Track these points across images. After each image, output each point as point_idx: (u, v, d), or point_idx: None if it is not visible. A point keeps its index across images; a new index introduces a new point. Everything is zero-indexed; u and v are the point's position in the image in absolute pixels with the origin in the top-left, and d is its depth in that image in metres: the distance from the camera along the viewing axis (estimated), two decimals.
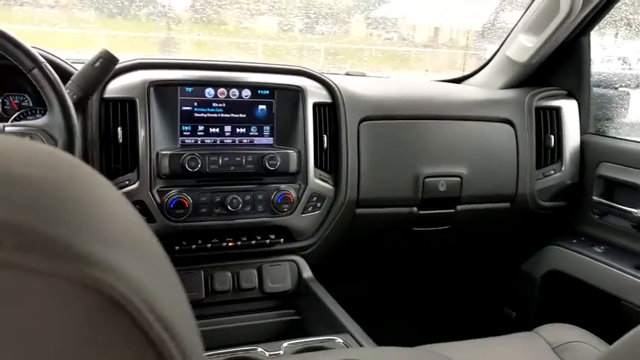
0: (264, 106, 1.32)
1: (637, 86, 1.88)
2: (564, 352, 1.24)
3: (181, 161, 1.22)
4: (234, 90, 1.30)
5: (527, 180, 1.61)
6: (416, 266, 1.91)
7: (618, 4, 1.54)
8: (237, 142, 1.31)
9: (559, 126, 1.64)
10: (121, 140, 1.21)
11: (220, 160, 1.26)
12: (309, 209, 1.36)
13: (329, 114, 1.39)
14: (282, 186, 1.32)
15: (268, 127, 1.34)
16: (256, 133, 1.33)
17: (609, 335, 1.01)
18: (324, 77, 1.40)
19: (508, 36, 1.73)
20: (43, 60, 0.95)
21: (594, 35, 1.67)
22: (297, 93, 1.34)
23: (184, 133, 1.27)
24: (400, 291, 2.00)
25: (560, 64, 1.68)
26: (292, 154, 1.31)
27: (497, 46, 1.80)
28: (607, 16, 1.59)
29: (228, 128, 1.30)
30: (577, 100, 1.68)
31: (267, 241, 1.33)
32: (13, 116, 1.27)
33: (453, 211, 1.56)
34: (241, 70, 1.33)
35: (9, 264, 0.21)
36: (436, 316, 2.01)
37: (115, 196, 0.29)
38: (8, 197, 0.22)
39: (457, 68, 2.00)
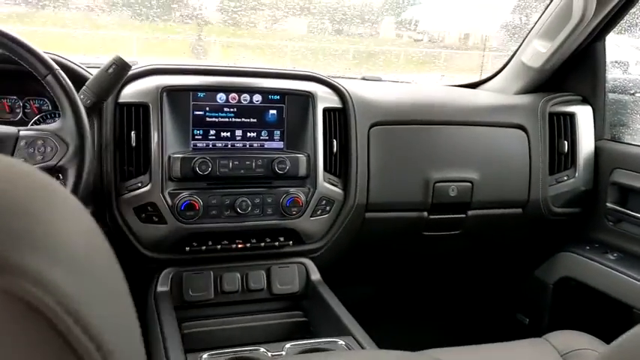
0: (274, 111, 1.35)
1: None
2: (572, 359, 1.23)
3: (192, 164, 1.25)
4: (245, 95, 1.33)
5: (540, 186, 1.61)
6: (426, 271, 1.91)
7: (633, 10, 1.52)
8: (247, 146, 1.34)
9: (573, 132, 1.64)
10: (134, 144, 1.25)
11: (230, 164, 1.28)
12: (318, 212, 1.38)
13: (339, 119, 1.41)
14: (292, 189, 1.34)
15: (279, 132, 1.36)
16: (267, 138, 1.35)
17: None
18: (334, 82, 1.42)
19: (523, 41, 1.73)
20: (57, 67, 0.99)
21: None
22: (308, 98, 1.36)
23: (196, 137, 1.30)
24: (411, 295, 2.01)
25: (575, 70, 1.68)
26: (302, 158, 1.33)
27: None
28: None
29: (239, 132, 1.33)
30: (592, 106, 1.67)
31: (276, 243, 1.35)
32: (33, 120, 1.32)
33: (463, 216, 1.57)
34: (252, 76, 1.36)
35: None
36: (447, 321, 2.01)
37: (69, 208, 0.31)
38: None
39: (487, 70, 1.99)
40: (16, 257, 0.25)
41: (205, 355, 1.02)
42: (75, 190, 0.96)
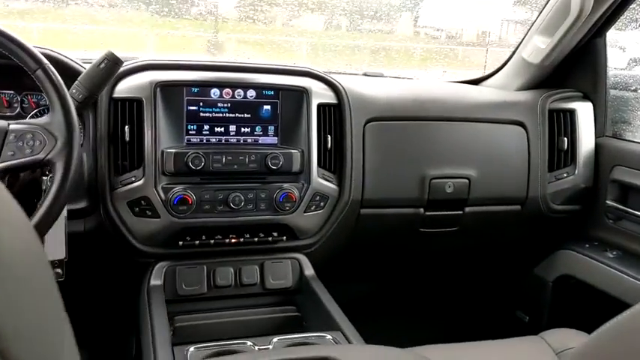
0: (268, 107, 1.35)
1: None
2: (566, 357, 1.22)
3: (185, 159, 1.25)
4: (239, 90, 1.33)
5: (539, 183, 1.59)
6: (424, 268, 1.90)
7: (633, 5, 1.50)
8: (241, 141, 1.34)
9: (573, 128, 1.62)
10: (128, 138, 1.26)
11: (224, 159, 1.29)
12: (312, 208, 1.38)
13: (334, 114, 1.41)
14: (285, 185, 1.34)
15: (273, 127, 1.36)
16: (261, 133, 1.36)
17: None
18: (329, 78, 1.42)
19: (524, 37, 1.72)
20: (46, 61, 1.00)
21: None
22: (302, 94, 1.36)
23: (190, 132, 1.31)
24: (409, 292, 2.01)
25: (576, 66, 1.66)
26: (295, 153, 1.33)
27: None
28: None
29: (233, 128, 1.34)
30: (593, 103, 1.65)
31: (270, 238, 1.36)
32: (31, 114, 1.33)
33: (461, 212, 1.56)
34: (246, 71, 1.36)
35: None
36: (446, 318, 2.00)
37: None
38: None
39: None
40: None
41: (192, 349, 1.03)
42: (63, 183, 0.96)
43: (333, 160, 1.42)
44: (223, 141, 1.33)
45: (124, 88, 1.28)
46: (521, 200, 1.60)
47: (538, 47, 1.61)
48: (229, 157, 1.29)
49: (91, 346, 1.70)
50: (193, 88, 1.30)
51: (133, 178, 1.26)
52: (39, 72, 0.99)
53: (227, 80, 1.33)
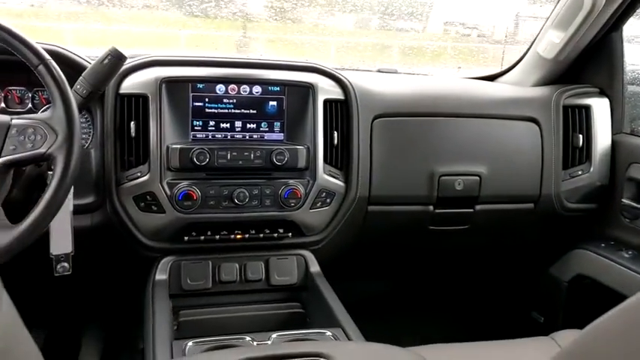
0: (274, 103, 1.35)
1: None
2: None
3: (190, 155, 1.26)
4: (244, 86, 1.33)
5: (553, 180, 1.56)
6: (434, 266, 1.88)
7: None
8: (247, 137, 1.34)
9: (588, 125, 1.58)
10: (133, 134, 1.27)
11: (229, 155, 1.29)
12: (318, 205, 1.37)
13: (341, 111, 1.40)
14: (291, 181, 1.34)
15: (279, 123, 1.36)
16: (267, 129, 1.35)
17: None
18: (336, 74, 1.41)
19: (539, 32, 1.68)
20: (48, 57, 1.01)
21: None
22: (308, 89, 1.36)
23: (195, 127, 1.31)
24: (419, 291, 1.99)
25: (592, 61, 1.62)
26: (301, 149, 1.33)
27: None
28: None
29: (238, 124, 1.34)
30: (609, 99, 1.61)
31: (275, 234, 1.36)
32: (41, 109, 1.36)
33: (471, 210, 1.54)
34: (252, 67, 1.36)
35: None
36: (457, 318, 1.97)
37: None
38: None
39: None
40: None
41: (190, 343, 1.03)
42: (63, 177, 0.97)
43: (340, 157, 1.41)
44: (229, 137, 1.33)
45: (130, 84, 1.29)
46: (535, 198, 1.57)
47: (552, 42, 1.58)
48: (234, 153, 1.29)
49: (103, 337, 1.73)
50: (199, 84, 1.31)
51: (139, 174, 1.27)
52: (41, 67, 1.00)
53: (232, 76, 1.33)
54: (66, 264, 1.16)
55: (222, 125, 1.33)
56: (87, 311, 1.77)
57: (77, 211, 1.21)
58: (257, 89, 1.34)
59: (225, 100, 1.32)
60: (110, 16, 1.86)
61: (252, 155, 1.31)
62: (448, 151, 1.49)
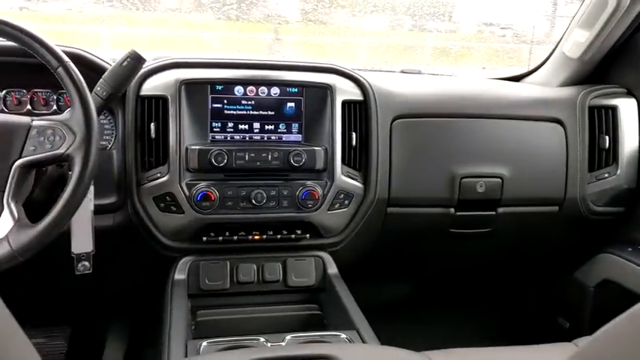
0: (292, 104, 1.35)
1: None
2: None
3: (209, 156, 1.27)
4: (262, 88, 1.34)
5: (578, 183, 1.53)
6: (456, 269, 1.85)
7: None
8: (265, 138, 1.35)
9: (615, 126, 1.54)
10: (153, 135, 1.29)
11: (247, 156, 1.30)
12: (337, 206, 1.37)
13: (360, 112, 1.40)
14: (309, 182, 1.34)
15: (297, 125, 1.36)
16: (285, 130, 1.36)
17: None
18: (355, 74, 1.41)
19: (565, 31, 1.65)
20: (67, 59, 1.03)
21: None
22: (326, 91, 1.36)
23: (214, 129, 1.33)
24: (440, 294, 1.96)
25: (619, 61, 1.58)
26: (319, 151, 1.33)
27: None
28: None
29: (256, 125, 1.34)
30: (637, 99, 1.56)
31: (293, 236, 1.36)
32: (65, 111, 1.39)
33: (493, 213, 1.51)
34: (270, 69, 1.37)
35: None
36: (480, 323, 1.94)
37: None
38: None
39: None
40: None
41: (205, 343, 1.04)
42: (81, 178, 0.99)
43: (359, 158, 1.40)
44: (247, 138, 1.34)
45: (151, 86, 1.31)
46: (559, 201, 1.54)
47: (578, 41, 1.54)
48: (252, 154, 1.30)
49: (128, 334, 1.75)
50: (218, 86, 1.32)
51: (159, 174, 1.29)
52: (60, 70, 1.02)
53: (251, 78, 1.34)
54: (87, 263, 1.18)
55: (240, 126, 1.34)
56: (112, 308, 1.80)
57: (99, 211, 1.24)
58: (275, 90, 1.34)
59: (243, 102, 1.33)
60: (143, 19, 1.90)
61: (269, 156, 1.31)
62: (470, 152, 1.47)
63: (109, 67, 1.17)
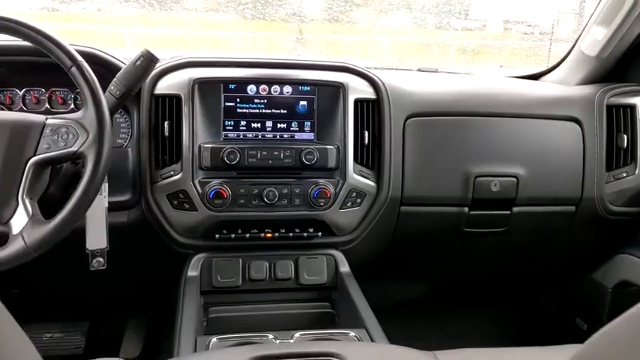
0: (305, 102, 1.36)
1: None
2: None
3: (221, 154, 1.28)
4: (275, 87, 1.34)
5: (595, 183, 1.51)
6: (470, 269, 1.84)
7: None
8: (278, 137, 1.36)
9: (633, 125, 1.52)
10: (167, 133, 1.30)
11: (259, 154, 1.31)
12: (349, 205, 1.37)
13: (373, 110, 1.39)
14: (321, 181, 1.34)
15: (309, 123, 1.37)
16: (297, 129, 1.36)
17: None
18: (368, 73, 1.41)
19: (584, 28, 1.63)
20: (81, 59, 1.05)
21: None
22: (338, 89, 1.36)
23: (227, 127, 1.34)
24: (455, 293, 1.95)
25: (637, 59, 1.55)
26: (331, 149, 1.33)
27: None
28: None
29: (269, 123, 1.35)
30: None
31: (305, 234, 1.36)
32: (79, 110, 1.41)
33: (508, 212, 1.50)
34: (283, 67, 1.38)
35: None
36: (496, 322, 1.93)
37: None
38: None
39: None
40: None
41: (214, 339, 1.05)
42: (93, 176, 1.01)
43: (371, 157, 1.40)
44: (260, 136, 1.35)
45: (165, 85, 1.32)
46: (576, 201, 1.52)
47: (595, 39, 1.52)
48: (264, 153, 1.31)
49: (146, 329, 1.78)
50: (230, 85, 1.33)
51: (172, 172, 1.31)
52: (73, 69, 1.04)
53: (263, 76, 1.35)
54: (101, 259, 1.21)
55: (253, 125, 1.35)
56: (130, 304, 1.83)
57: (114, 208, 1.26)
58: (288, 89, 1.35)
59: (256, 100, 1.34)
60: (168, 19, 1.93)
61: (282, 155, 1.32)
62: (484, 151, 1.46)
63: (123, 67, 1.19)
